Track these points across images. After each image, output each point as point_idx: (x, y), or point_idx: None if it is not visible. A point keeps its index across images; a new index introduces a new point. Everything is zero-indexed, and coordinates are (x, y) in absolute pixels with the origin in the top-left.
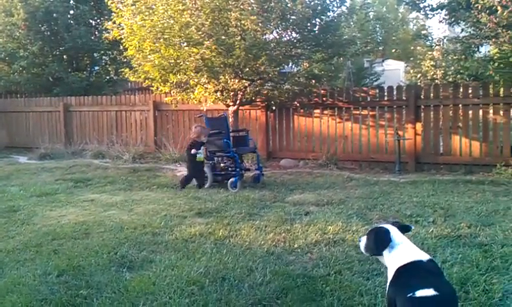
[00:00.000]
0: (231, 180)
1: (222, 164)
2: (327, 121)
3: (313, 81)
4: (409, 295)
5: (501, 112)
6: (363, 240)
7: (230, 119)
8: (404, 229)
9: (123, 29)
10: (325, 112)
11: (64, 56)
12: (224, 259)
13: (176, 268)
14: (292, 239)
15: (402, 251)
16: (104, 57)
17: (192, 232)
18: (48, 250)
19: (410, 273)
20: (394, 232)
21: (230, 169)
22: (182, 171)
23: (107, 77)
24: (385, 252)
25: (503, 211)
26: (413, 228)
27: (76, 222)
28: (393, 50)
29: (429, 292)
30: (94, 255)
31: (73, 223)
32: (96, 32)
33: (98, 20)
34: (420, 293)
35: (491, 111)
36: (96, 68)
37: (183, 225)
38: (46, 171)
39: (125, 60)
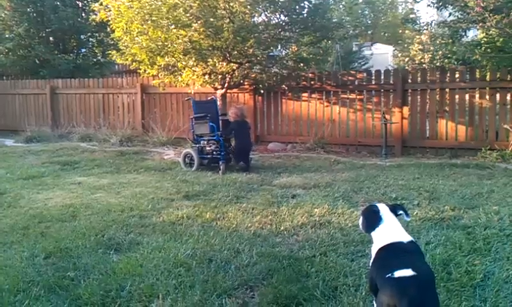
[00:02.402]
0: (221, 162)
1: (208, 148)
2: (315, 105)
3: (302, 64)
4: (387, 275)
5: (487, 97)
6: (361, 218)
7: (218, 103)
8: (398, 210)
9: (110, 10)
10: (313, 95)
11: (51, 38)
12: (211, 241)
13: (163, 250)
14: (278, 221)
15: (385, 232)
16: (91, 39)
17: (179, 215)
18: (35, 232)
19: (390, 254)
20: (384, 211)
21: (215, 153)
22: (170, 154)
23: (94, 60)
24: (372, 232)
25: (487, 194)
26: (400, 212)
27: (63, 205)
28: (382, 34)
29: (407, 273)
30: (81, 237)
31: (60, 206)
32: (83, 14)
33: (85, 1)
34: (398, 273)
35: (477, 95)
36: (83, 50)
37: (170, 208)
38: (32, 153)
39: (112, 42)
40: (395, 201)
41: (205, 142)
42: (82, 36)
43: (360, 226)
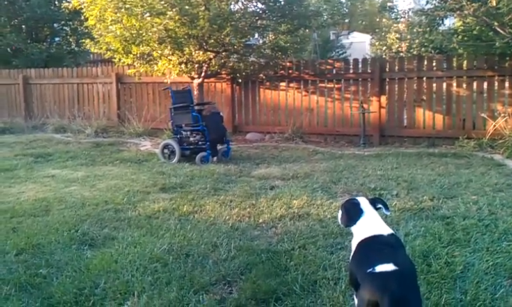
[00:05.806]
0: (201, 154)
1: (191, 139)
2: (293, 94)
3: (279, 53)
4: (369, 270)
5: (464, 85)
6: (340, 212)
7: (195, 92)
8: (377, 203)
9: None
10: (291, 85)
11: (23, 26)
12: (188, 235)
13: (139, 245)
14: (257, 214)
15: (365, 225)
16: (64, 27)
17: (155, 208)
18: (6, 228)
19: (370, 247)
20: (364, 205)
21: (200, 143)
22: (147, 145)
23: (68, 49)
24: (354, 225)
25: (465, 183)
26: (379, 205)
27: (36, 198)
28: (360, 22)
29: (389, 267)
30: (54, 233)
31: (33, 200)
32: (56, 2)
33: None
34: (380, 268)
35: (454, 84)
36: (57, 39)
37: (146, 201)
38: (5, 146)
39: (87, 31)
40: (374, 192)
41: (188, 132)
42: (55, 25)
43: (339, 220)
